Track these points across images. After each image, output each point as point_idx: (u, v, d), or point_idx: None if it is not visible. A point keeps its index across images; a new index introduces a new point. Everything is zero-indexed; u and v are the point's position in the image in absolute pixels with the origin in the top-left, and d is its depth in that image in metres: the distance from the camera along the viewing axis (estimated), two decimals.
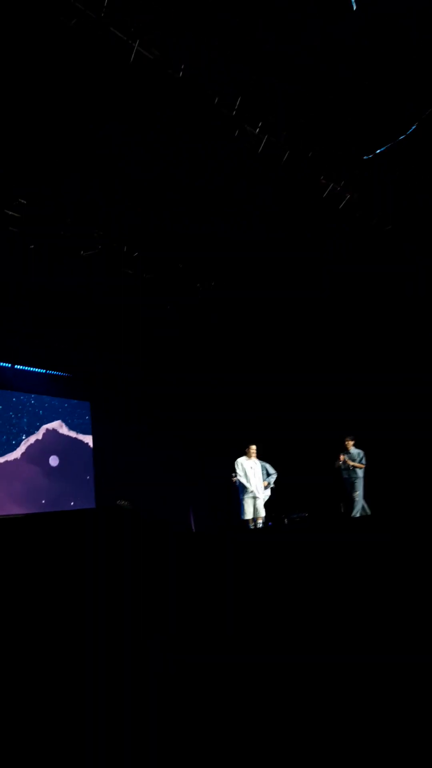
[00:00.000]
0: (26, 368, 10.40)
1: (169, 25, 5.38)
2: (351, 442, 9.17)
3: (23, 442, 10.38)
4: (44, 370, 10.75)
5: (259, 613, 2.04)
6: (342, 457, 9.02)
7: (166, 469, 11.03)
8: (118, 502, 8.38)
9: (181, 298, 10.33)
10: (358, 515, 8.56)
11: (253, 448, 8.62)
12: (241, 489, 8.66)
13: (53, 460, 10.74)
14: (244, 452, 8.65)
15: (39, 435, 10.69)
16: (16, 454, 10.23)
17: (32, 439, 10.55)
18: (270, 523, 8.30)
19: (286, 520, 8.64)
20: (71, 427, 11.27)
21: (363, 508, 8.86)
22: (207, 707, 1.49)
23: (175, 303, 10.72)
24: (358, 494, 8.80)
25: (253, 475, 8.41)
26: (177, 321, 10.89)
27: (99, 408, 11.55)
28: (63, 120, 6.10)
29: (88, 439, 11.50)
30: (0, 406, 10.14)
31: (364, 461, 9.00)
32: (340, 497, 9.10)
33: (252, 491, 8.31)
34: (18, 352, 10.10)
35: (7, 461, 10.02)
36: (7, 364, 10.06)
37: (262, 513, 8.29)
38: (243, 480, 8.36)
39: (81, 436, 11.41)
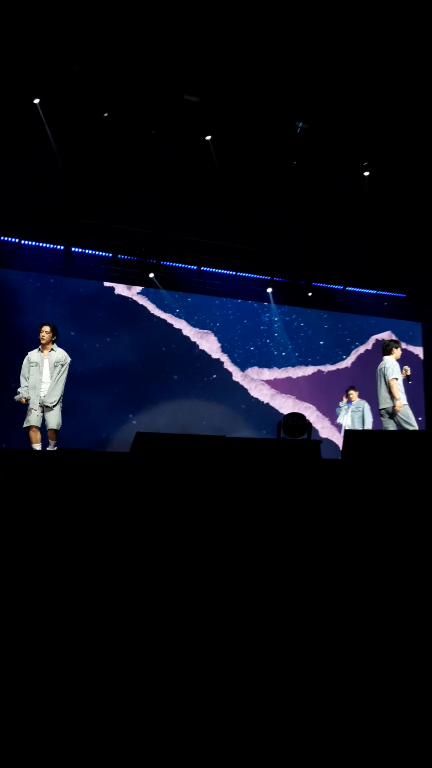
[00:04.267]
0: (357, 290, 12.23)
1: None
2: None
3: (353, 352, 12.42)
4: (375, 291, 12.30)
5: None
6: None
7: None
8: None
9: None
10: None
11: None
12: None
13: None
14: None
15: (368, 345, 12.54)
16: (346, 362, 12.39)
17: (362, 348, 12.49)
18: None
19: None
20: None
21: None
22: None
23: None
24: None
25: None
26: None
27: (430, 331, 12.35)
28: None
29: (418, 351, 12.55)
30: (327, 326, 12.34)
31: None
32: None
33: None
34: (350, 274, 11.92)
35: (338, 369, 12.34)
36: (338, 287, 12.16)
37: None
38: None
39: (411, 348, 12.48)
